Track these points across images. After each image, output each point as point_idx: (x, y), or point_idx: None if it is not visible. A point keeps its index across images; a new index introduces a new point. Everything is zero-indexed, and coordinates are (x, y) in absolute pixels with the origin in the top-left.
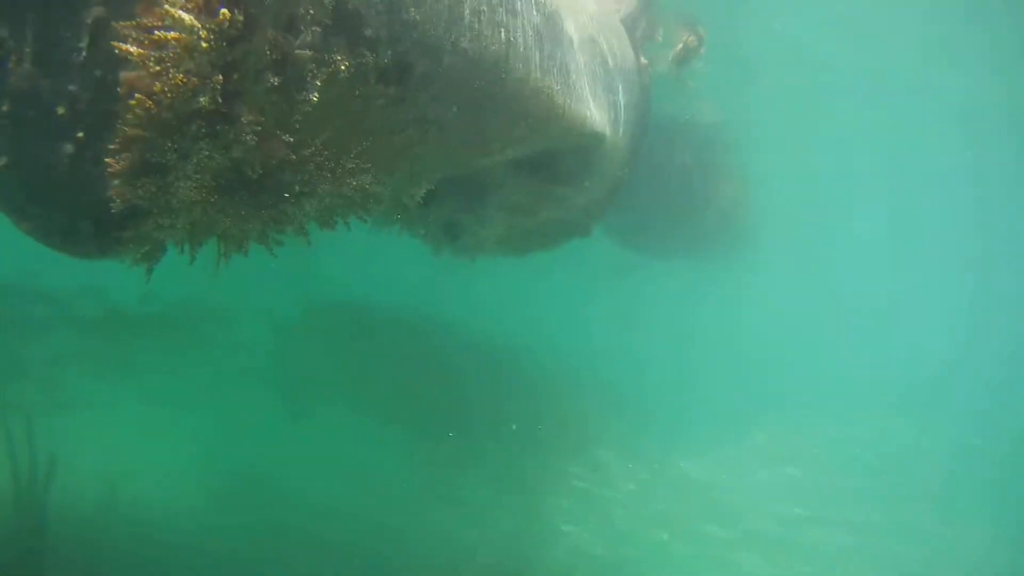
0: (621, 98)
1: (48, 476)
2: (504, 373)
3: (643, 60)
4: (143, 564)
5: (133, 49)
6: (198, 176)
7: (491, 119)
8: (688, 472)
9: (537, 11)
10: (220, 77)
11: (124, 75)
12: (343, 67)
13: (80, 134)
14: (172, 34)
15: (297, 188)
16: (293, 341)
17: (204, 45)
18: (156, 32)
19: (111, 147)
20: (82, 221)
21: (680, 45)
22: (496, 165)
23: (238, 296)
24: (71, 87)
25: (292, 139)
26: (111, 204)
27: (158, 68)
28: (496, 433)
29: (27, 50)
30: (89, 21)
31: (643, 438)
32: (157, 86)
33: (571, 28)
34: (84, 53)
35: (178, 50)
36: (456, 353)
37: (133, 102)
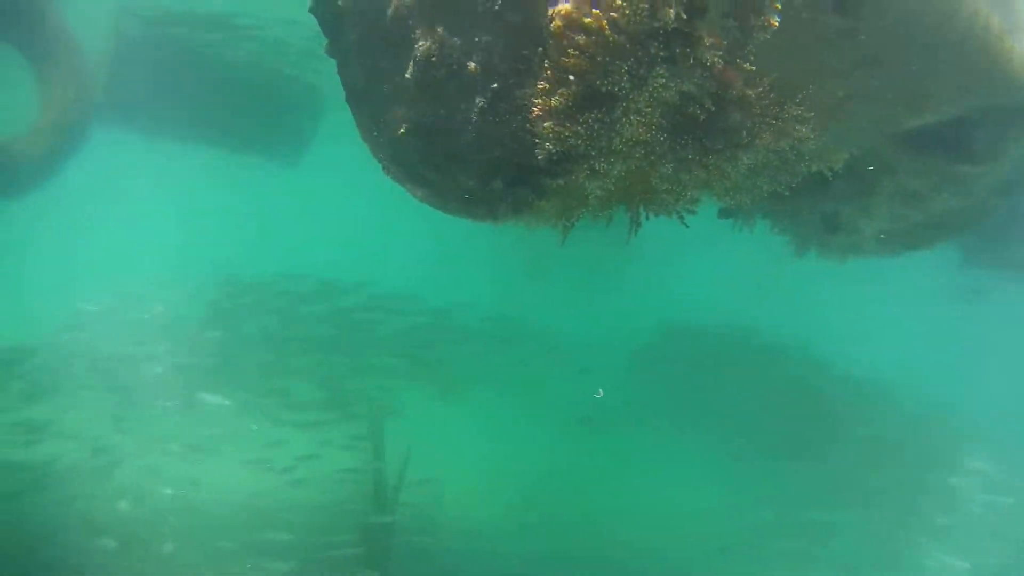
0: None
1: (402, 473)
2: (844, 399)
3: None
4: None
5: None
6: (649, 110)
7: (935, 65)
8: None
9: None
10: None
11: (558, 8)
12: None
13: (494, 85)
14: None
15: (744, 133)
16: (642, 365)
17: None
18: None
19: (540, 87)
20: (493, 180)
21: None
22: (895, 143)
23: (580, 320)
24: (484, 38)
25: (747, 68)
26: (536, 152)
27: None
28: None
29: (436, 13)
30: None
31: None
32: (617, 2)
33: None
34: (500, 1)
35: None
36: (800, 378)
37: (589, 20)
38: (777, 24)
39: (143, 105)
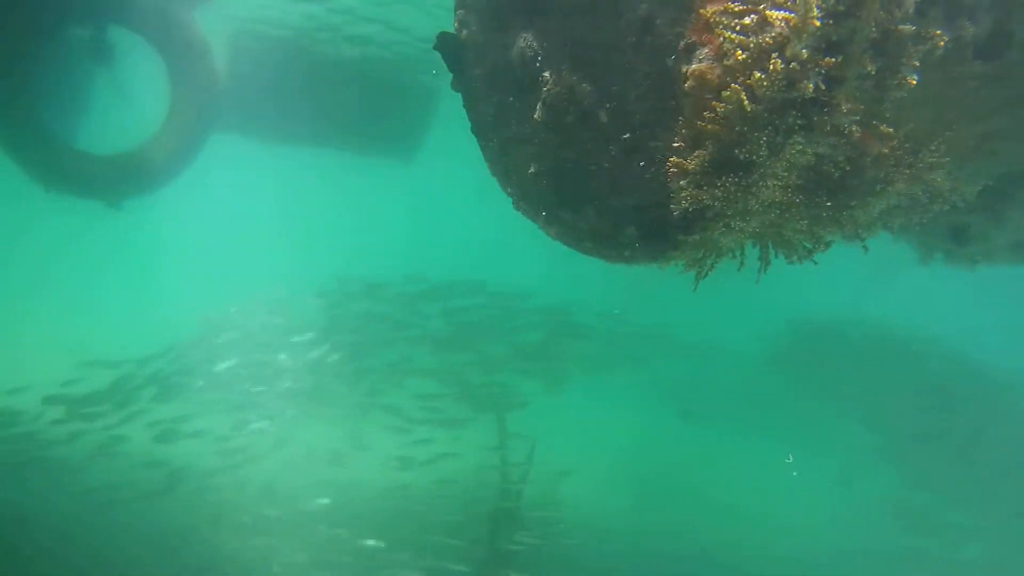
0: None
1: (528, 467)
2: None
3: None
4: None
5: (732, 36)
6: (785, 175)
7: None
8: None
9: None
10: (830, 60)
11: (693, 68)
12: (941, 43)
13: (626, 135)
14: (781, 14)
15: (878, 187)
16: (772, 362)
17: (815, 24)
18: (763, 9)
19: (675, 145)
20: (627, 226)
21: None
22: None
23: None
24: (614, 88)
25: (884, 131)
26: (672, 206)
27: (745, 57)
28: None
29: (563, 56)
30: (636, 19)
31: None
32: (755, 75)
33: None
34: (630, 52)
35: (785, 31)
36: (941, 376)
37: (727, 93)
38: (915, 83)
39: (258, 109)
